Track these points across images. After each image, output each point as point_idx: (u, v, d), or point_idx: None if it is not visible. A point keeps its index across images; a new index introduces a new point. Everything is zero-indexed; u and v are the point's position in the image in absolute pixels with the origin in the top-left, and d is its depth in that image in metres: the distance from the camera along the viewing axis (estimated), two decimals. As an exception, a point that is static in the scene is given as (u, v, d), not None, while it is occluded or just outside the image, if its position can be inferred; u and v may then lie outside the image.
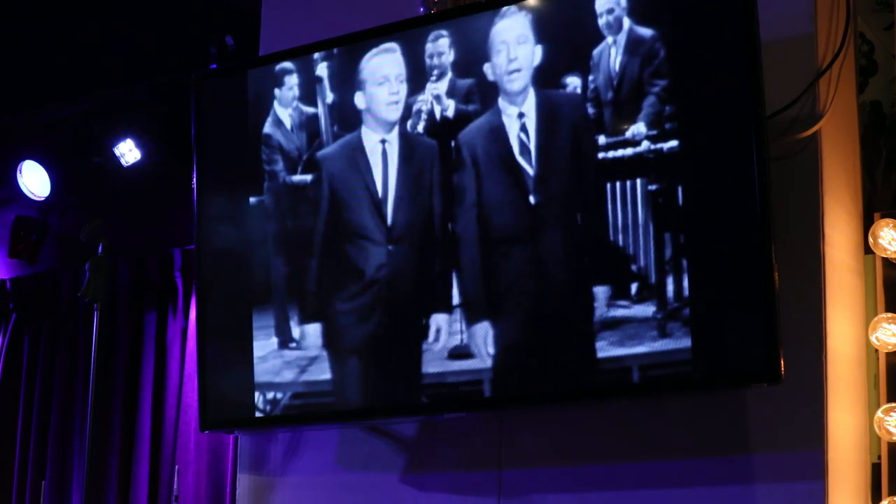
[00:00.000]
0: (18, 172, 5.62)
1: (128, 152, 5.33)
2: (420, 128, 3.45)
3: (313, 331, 3.58)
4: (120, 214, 5.47)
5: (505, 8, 3.35)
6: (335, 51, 3.63)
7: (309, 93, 3.65)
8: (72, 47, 5.45)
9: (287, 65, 3.69)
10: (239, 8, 4.86)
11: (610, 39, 3.21)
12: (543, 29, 3.30)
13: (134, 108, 5.37)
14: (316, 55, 3.65)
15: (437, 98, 3.43)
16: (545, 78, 3.29)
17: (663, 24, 3.17)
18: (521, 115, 3.32)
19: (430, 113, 3.44)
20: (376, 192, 3.48)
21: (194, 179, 3.82)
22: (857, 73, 3.55)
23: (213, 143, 3.85)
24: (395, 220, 3.46)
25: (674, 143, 3.12)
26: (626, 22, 3.20)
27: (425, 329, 3.39)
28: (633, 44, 3.18)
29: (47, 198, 5.66)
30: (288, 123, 3.68)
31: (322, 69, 3.64)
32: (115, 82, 5.37)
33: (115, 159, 5.34)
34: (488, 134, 3.35)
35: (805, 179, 3.21)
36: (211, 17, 5.00)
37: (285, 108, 3.69)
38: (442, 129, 3.42)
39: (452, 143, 3.39)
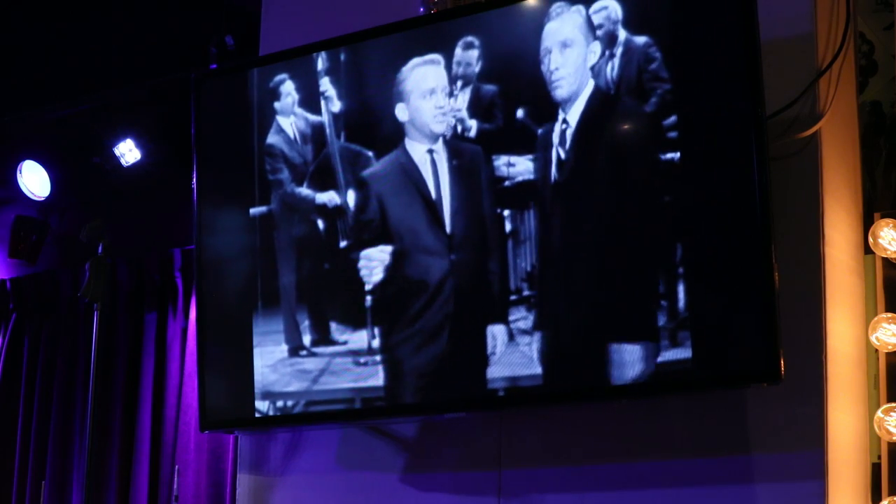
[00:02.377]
0: (18, 172, 5.62)
1: (128, 152, 5.33)
2: (462, 133, 3.42)
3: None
4: (120, 214, 5.47)
5: (555, 6, 3.31)
6: (341, 57, 3.61)
7: (312, 100, 3.64)
8: (72, 47, 5.45)
9: (282, 76, 3.67)
10: (239, 8, 4.86)
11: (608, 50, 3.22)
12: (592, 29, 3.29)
13: (134, 108, 5.36)
14: (319, 65, 3.63)
15: (472, 104, 3.42)
16: (597, 84, 3.27)
17: (661, 28, 3.17)
18: (564, 122, 3.30)
19: (474, 118, 3.42)
20: (432, 202, 3.44)
21: (194, 180, 3.82)
22: (857, 73, 3.55)
23: (214, 144, 3.85)
24: (454, 231, 3.43)
25: (675, 143, 3.12)
26: (622, 32, 3.20)
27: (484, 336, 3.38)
28: (633, 51, 3.18)
29: (47, 198, 5.66)
30: (291, 133, 3.67)
31: (324, 77, 3.63)
32: (115, 82, 5.37)
33: (115, 159, 5.34)
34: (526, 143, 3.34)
35: (805, 179, 3.21)
36: (211, 17, 5.00)
37: (287, 117, 3.68)
38: (482, 133, 3.40)
39: (495, 150, 3.37)
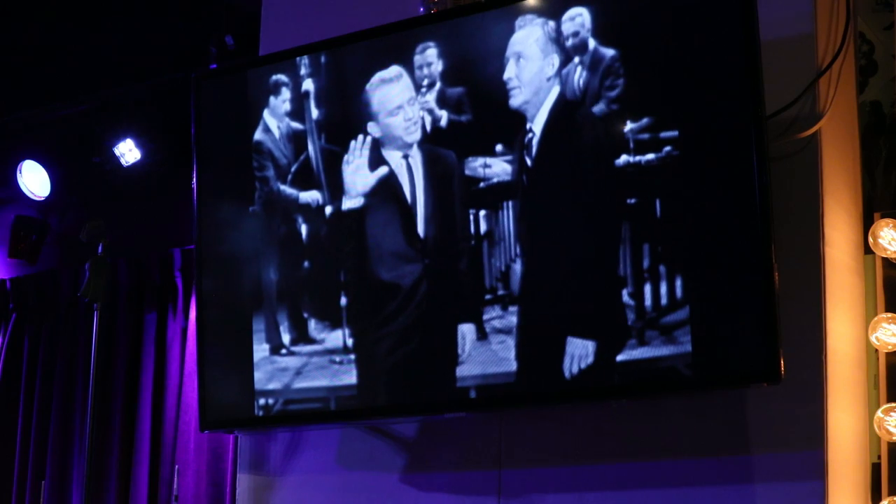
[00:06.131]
0: (18, 172, 5.62)
1: (128, 152, 5.33)
2: (437, 139, 3.44)
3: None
4: (120, 214, 5.47)
5: (520, 18, 3.34)
6: (322, 60, 3.62)
7: (297, 105, 3.65)
8: (72, 47, 5.45)
9: (276, 76, 3.69)
10: (239, 8, 4.86)
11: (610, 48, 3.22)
12: (554, 42, 3.30)
13: (134, 108, 5.36)
14: (303, 70, 3.65)
15: (438, 107, 3.44)
16: (561, 94, 3.28)
17: (662, 28, 3.17)
18: (529, 131, 3.31)
19: (448, 122, 3.44)
20: (407, 206, 3.46)
21: (194, 180, 3.82)
22: (857, 73, 3.55)
23: (213, 144, 3.86)
24: (427, 233, 3.45)
25: (675, 144, 3.12)
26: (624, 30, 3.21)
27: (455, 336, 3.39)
28: (633, 51, 3.19)
29: (47, 198, 5.66)
30: (276, 132, 3.69)
31: (308, 82, 3.65)
32: (115, 82, 5.37)
33: (115, 159, 5.34)
34: (495, 148, 3.36)
35: (805, 179, 3.21)
36: (211, 17, 5.00)
37: (274, 116, 3.69)
38: (455, 138, 3.42)
39: (468, 154, 3.39)
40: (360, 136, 3.55)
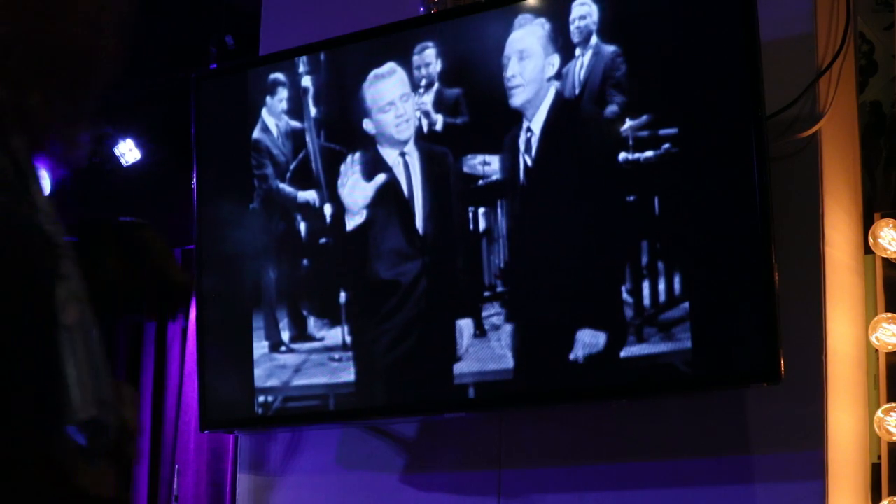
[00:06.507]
0: (18, 172, 5.62)
1: (128, 152, 5.34)
2: (434, 138, 3.45)
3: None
4: (120, 214, 5.47)
5: (520, 17, 3.34)
6: (321, 59, 3.63)
7: (296, 103, 3.66)
8: (72, 47, 5.45)
9: (273, 76, 3.69)
10: (239, 8, 4.86)
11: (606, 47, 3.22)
12: (555, 41, 3.30)
13: (134, 108, 5.37)
14: (301, 69, 3.65)
15: (435, 110, 3.44)
16: (560, 92, 3.29)
17: (662, 28, 3.17)
18: (528, 130, 3.31)
19: (444, 124, 3.44)
20: (405, 203, 3.47)
21: (194, 180, 3.82)
22: (857, 73, 3.55)
23: (213, 144, 3.86)
24: (426, 231, 3.45)
25: (674, 141, 3.12)
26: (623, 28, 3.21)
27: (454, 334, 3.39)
28: (632, 51, 3.19)
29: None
30: (275, 130, 3.69)
31: (307, 80, 3.65)
32: (115, 82, 5.37)
33: (115, 159, 5.35)
34: (494, 146, 3.36)
35: (805, 179, 3.21)
36: (211, 17, 5.00)
37: (273, 115, 3.69)
38: (453, 137, 3.42)
39: (466, 151, 3.40)
40: (349, 157, 3.55)
